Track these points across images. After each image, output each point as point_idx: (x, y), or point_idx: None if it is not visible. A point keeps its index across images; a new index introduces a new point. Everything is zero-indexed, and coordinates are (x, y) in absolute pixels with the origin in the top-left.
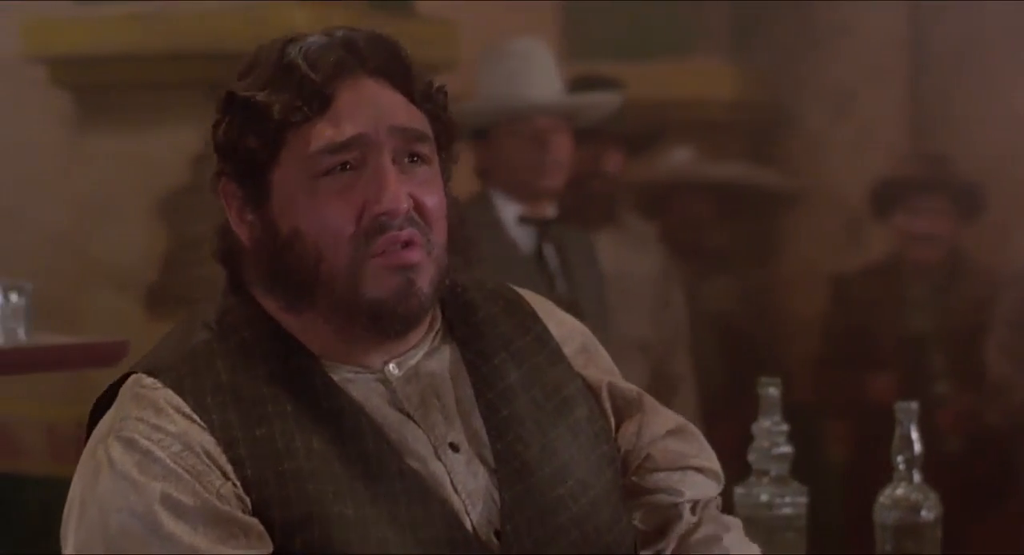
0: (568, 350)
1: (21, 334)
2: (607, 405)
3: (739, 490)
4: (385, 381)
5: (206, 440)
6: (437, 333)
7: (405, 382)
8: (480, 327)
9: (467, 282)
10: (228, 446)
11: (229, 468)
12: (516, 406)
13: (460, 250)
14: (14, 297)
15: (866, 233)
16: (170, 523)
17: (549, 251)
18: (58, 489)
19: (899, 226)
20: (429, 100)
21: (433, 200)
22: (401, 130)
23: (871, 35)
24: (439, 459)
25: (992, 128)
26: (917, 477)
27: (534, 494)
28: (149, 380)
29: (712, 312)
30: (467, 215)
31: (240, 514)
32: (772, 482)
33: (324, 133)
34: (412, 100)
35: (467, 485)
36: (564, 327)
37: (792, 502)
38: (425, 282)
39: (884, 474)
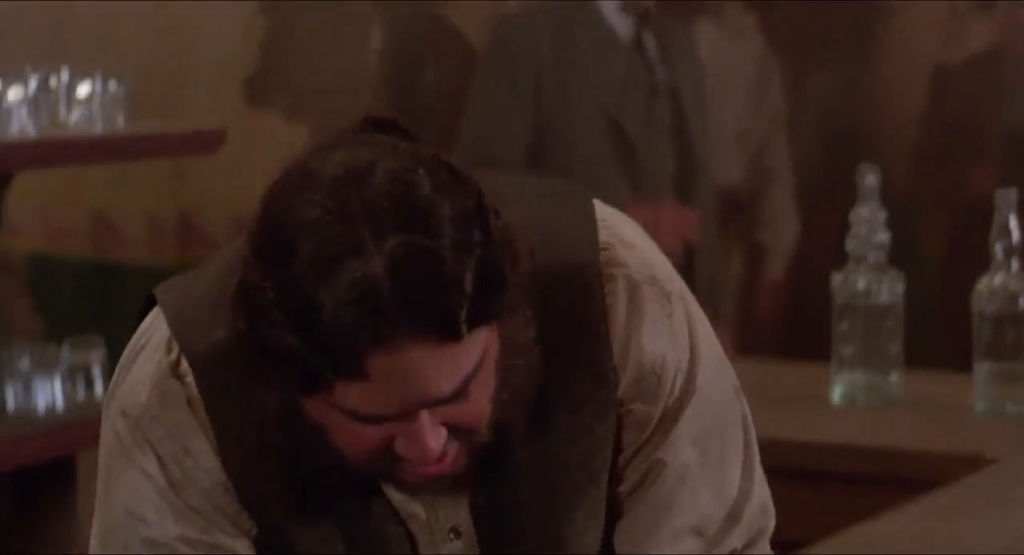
0: (628, 389)
1: (120, 121)
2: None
3: (837, 277)
4: None
5: (220, 480)
6: None
7: None
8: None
9: (540, 292)
10: (236, 489)
11: (243, 518)
12: (520, 493)
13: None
14: (113, 85)
15: (968, 24)
16: None
17: (648, 40)
18: (158, 278)
19: (1001, 16)
20: (484, 311)
21: (474, 413)
22: (440, 401)
23: None
24: (434, 547)
25: None
26: (1016, 266)
27: None
28: (185, 367)
29: (812, 103)
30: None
31: None
32: (870, 269)
33: (351, 402)
34: (457, 340)
35: None
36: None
37: (890, 290)
38: (460, 466)
39: (983, 265)
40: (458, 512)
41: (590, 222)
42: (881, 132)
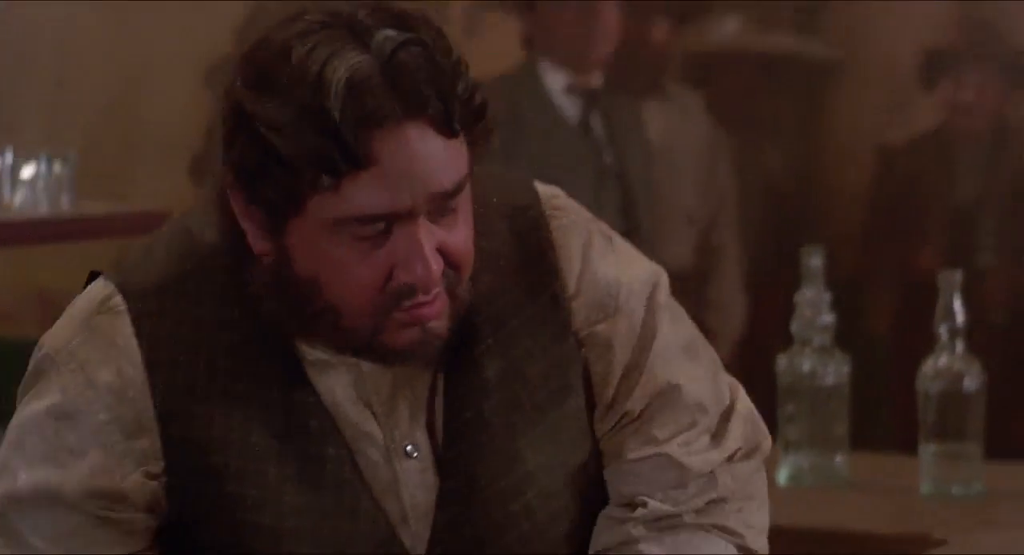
0: (588, 313)
1: (65, 203)
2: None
3: (782, 360)
4: (356, 368)
5: (143, 408)
6: None
7: (381, 371)
8: (476, 304)
9: (492, 222)
10: (163, 420)
11: (156, 446)
12: (484, 407)
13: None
14: (58, 166)
15: (913, 103)
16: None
17: (596, 121)
18: None
19: (946, 96)
20: (469, 120)
21: (461, 241)
22: (442, 195)
23: None
24: (391, 465)
25: None
26: (960, 347)
27: (475, 513)
28: (117, 300)
29: (758, 183)
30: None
31: (122, 515)
32: (815, 352)
33: (357, 201)
34: (452, 133)
35: (415, 498)
36: (599, 279)
37: (835, 372)
38: (443, 325)
39: (928, 346)
40: (414, 431)
41: (529, 181)
42: (827, 211)
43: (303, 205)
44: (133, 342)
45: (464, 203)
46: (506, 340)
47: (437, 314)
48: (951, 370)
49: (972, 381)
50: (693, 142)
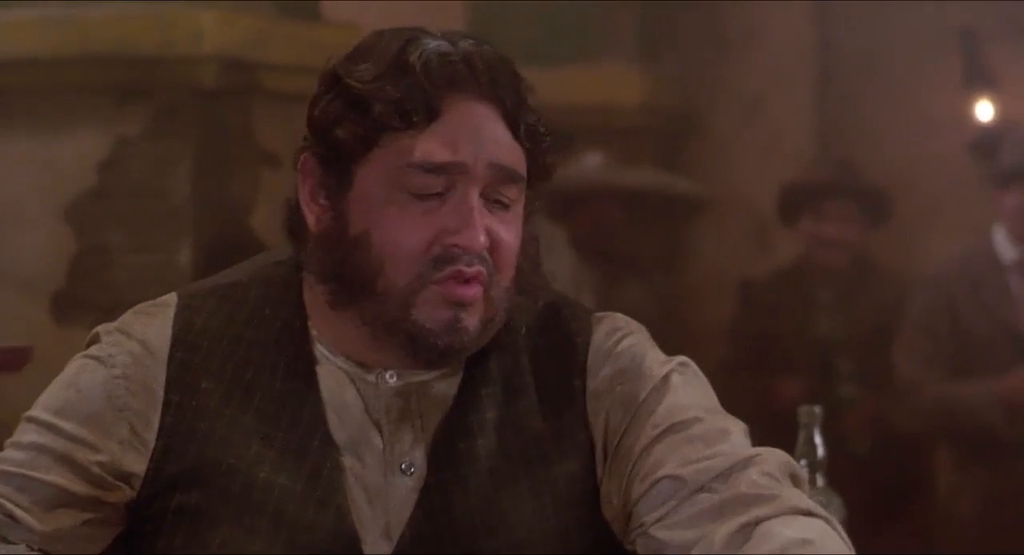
0: (601, 403)
1: None
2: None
3: None
4: (375, 386)
5: (155, 374)
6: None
7: (394, 393)
8: (499, 357)
9: (527, 308)
10: (170, 387)
11: (157, 410)
12: (478, 444)
13: (529, 292)
14: None
15: (773, 238)
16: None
17: None
18: None
19: (806, 231)
20: (533, 139)
21: (509, 241)
22: (500, 168)
23: (779, 41)
24: (384, 476)
25: (898, 134)
26: (821, 481)
27: (444, 540)
28: (172, 297)
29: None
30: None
31: (107, 478)
32: None
33: (423, 147)
34: (516, 136)
35: (402, 512)
36: (624, 372)
37: None
38: (474, 320)
39: None
40: (414, 451)
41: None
42: (690, 344)
43: (373, 147)
44: (169, 324)
45: (517, 212)
46: (516, 391)
47: (472, 298)
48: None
49: (833, 515)
50: (556, 276)
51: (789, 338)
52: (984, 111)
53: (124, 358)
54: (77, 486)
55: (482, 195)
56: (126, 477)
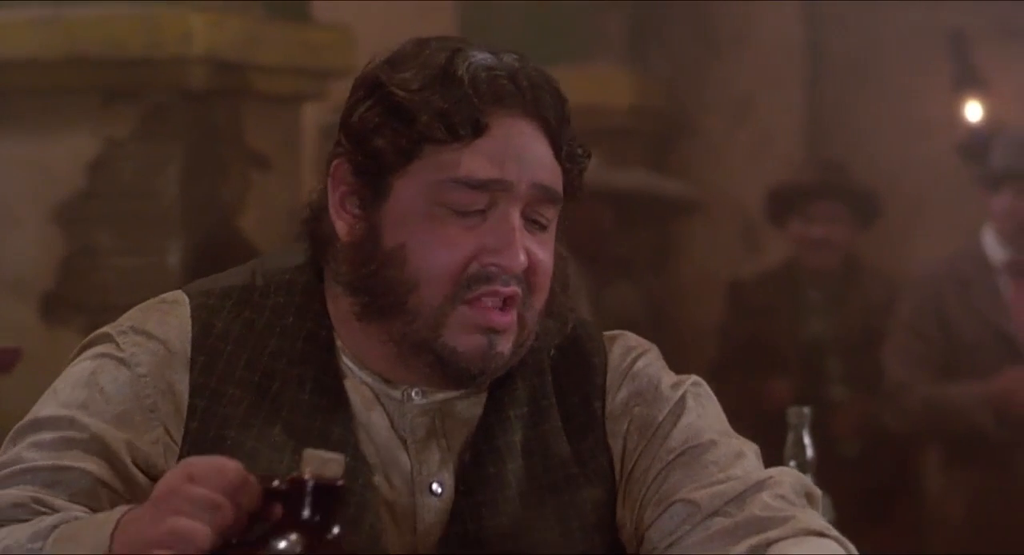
0: (628, 400)
1: None
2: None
3: None
4: (399, 404)
5: (179, 378)
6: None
7: (421, 412)
8: (525, 378)
9: (553, 331)
10: (195, 392)
11: (183, 414)
12: (508, 468)
13: (558, 314)
14: None
15: (763, 240)
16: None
17: None
18: None
19: (795, 232)
20: (572, 160)
21: (547, 262)
22: (542, 188)
23: (768, 42)
24: (412, 497)
25: (888, 135)
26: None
27: None
28: (180, 295)
29: (611, 319)
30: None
31: (137, 474)
32: None
33: (468, 163)
34: (557, 156)
35: (430, 534)
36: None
37: None
38: (507, 346)
39: None
40: (442, 471)
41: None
42: (680, 345)
43: (414, 158)
44: (188, 323)
45: (552, 233)
46: (541, 412)
47: (505, 325)
48: None
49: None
50: None
51: (778, 339)
52: (974, 112)
53: (147, 357)
54: (108, 476)
55: (521, 214)
56: (156, 477)
